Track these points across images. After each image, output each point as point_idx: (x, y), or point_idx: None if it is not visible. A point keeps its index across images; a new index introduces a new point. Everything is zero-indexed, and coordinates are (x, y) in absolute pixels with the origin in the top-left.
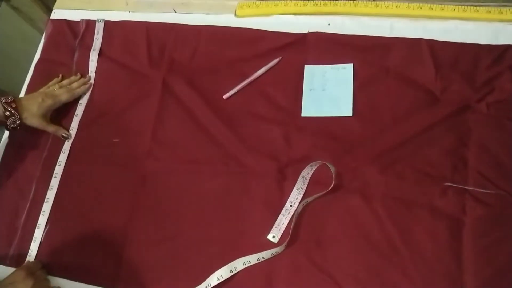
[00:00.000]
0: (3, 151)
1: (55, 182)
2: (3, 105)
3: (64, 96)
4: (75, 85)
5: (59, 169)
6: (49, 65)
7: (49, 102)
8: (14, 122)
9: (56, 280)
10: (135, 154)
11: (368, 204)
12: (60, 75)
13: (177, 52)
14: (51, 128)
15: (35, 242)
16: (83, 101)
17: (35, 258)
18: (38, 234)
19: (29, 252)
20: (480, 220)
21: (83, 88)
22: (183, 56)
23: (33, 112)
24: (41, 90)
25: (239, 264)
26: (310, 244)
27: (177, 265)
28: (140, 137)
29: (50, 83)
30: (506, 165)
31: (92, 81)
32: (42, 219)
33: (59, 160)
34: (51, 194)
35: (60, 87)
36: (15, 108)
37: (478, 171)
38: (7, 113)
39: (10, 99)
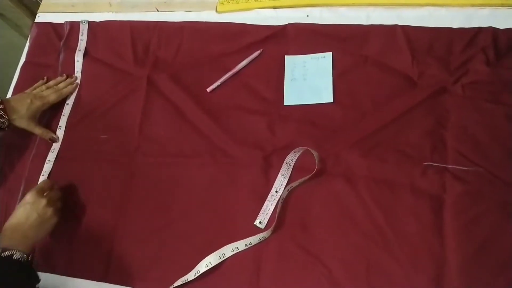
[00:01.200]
0: None
1: (42, 179)
2: None
3: (52, 97)
4: (61, 85)
5: (47, 168)
6: (35, 68)
7: (37, 103)
8: (2, 123)
9: (46, 276)
10: (123, 150)
11: (352, 187)
12: (45, 77)
13: (161, 50)
14: (38, 131)
15: None
16: (70, 101)
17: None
18: None
19: None
20: (460, 197)
21: (70, 88)
22: (167, 53)
23: (22, 113)
24: (27, 91)
25: (228, 251)
26: (296, 228)
27: (166, 256)
28: (128, 133)
29: (36, 84)
30: (483, 143)
31: (78, 81)
32: None
33: (47, 158)
34: None
35: (47, 88)
36: (3, 110)
37: (456, 150)
38: None
39: None
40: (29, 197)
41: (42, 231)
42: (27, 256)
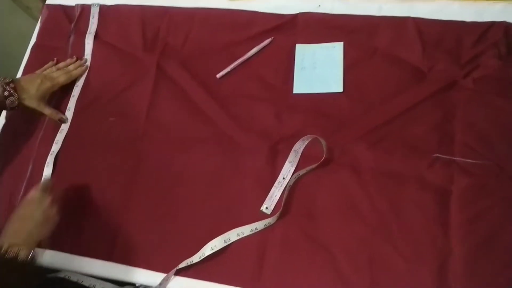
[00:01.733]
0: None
1: (51, 159)
2: (2, 85)
3: (62, 78)
4: (71, 67)
5: (56, 147)
6: (45, 50)
7: (47, 84)
8: (13, 102)
9: (53, 254)
10: (130, 135)
11: (358, 178)
12: (55, 59)
13: (170, 36)
14: (48, 111)
15: None
16: (80, 83)
17: None
18: None
19: None
20: (467, 190)
21: (79, 70)
22: (176, 39)
23: (31, 93)
24: (37, 71)
25: (233, 235)
26: (302, 215)
27: (172, 239)
28: (135, 119)
29: (46, 66)
30: (491, 137)
31: (88, 63)
32: None
33: (56, 139)
34: (47, 171)
35: (57, 69)
36: (14, 89)
37: (464, 143)
38: (6, 93)
39: (8, 79)
40: (34, 195)
41: (46, 229)
42: (32, 256)
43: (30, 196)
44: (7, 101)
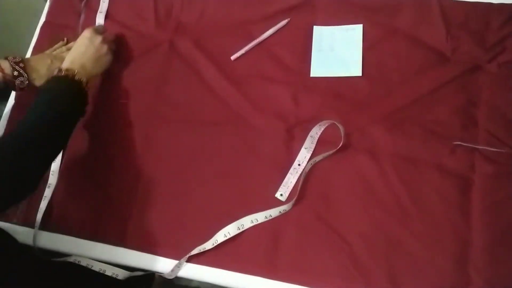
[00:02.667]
0: (7, 116)
1: None
2: (11, 65)
3: None
4: None
5: None
6: (54, 28)
7: (58, 64)
8: (22, 82)
9: (64, 238)
10: (142, 115)
11: (376, 163)
12: (65, 38)
13: (184, 14)
14: None
15: (44, 200)
16: None
17: (43, 216)
18: (48, 193)
19: (39, 210)
20: (489, 178)
21: None
22: (190, 18)
23: (42, 73)
24: (47, 51)
25: (247, 221)
26: (318, 202)
27: (184, 224)
28: (147, 98)
29: (56, 46)
30: None
31: None
32: (52, 179)
33: None
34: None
35: (67, 49)
36: (23, 68)
37: (487, 130)
38: (15, 73)
39: (18, 58)
40: (87, 33)
41: (98, 65)
42: (86, 81)
43: (83, 35)
44: (17, 81)
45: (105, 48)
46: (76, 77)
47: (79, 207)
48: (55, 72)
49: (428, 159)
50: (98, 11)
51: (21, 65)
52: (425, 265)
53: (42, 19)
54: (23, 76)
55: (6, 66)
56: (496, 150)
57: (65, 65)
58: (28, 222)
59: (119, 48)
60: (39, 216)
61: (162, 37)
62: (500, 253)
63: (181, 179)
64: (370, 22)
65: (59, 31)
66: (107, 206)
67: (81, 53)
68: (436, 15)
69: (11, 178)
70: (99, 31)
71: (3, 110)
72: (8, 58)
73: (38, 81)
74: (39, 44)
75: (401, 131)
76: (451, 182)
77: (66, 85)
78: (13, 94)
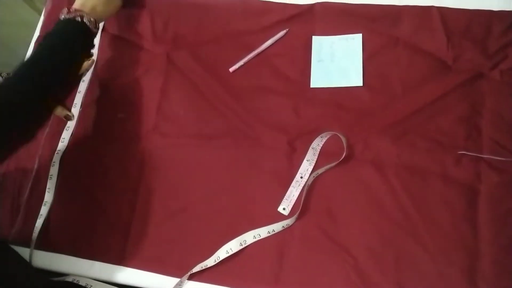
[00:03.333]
0: None
1: (57, 158)
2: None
3: None
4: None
5: (62, 146)
6: None
7: None
8: None
9: (62, 257)
10: (140, 130)
11: (380, 174)
12: None
13: (181, 26)
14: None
15: (40, 218)
16: (86, 78)
17: (39, 235)
18: (44, 211)
19: (34, 228)
20: (496, 188)
21: (85, 64)
22: (187, 30)
23: None
24: None
25: (249, 237)
26: (321, 215)
27: (185, 239)
28: (145, 113)
29: None
30: None
31: (95, 57)
32: (48, 196)
33: (62, 137)
34: (53, 171)
35: None
36: None
37: (492, 138)
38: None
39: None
40: None
41: (108, 9)
42: (94, 22)
43: None
44: None
45: None
46: (85, 19)
47: (76, 225)
48: (64, 12)
49: (433, 169)
50: None
51: None
52: (434, 277)
53: (37, 33)
54: None
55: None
56: (501, 159)
57: (76, 5)
58: (24, 241)
59: None
60: (35, 234)
61: (159, 50)
62: (510, 264)
63: (181, 194)
64: (369, 31)
65: None
66: (105, 223)
67: None
68: (436, 23)
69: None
70: None
71: None
72: (2, 74)
73: None
74: None
75: (405, 141)
76: (457, 192)
77: (73, 28)
78: None
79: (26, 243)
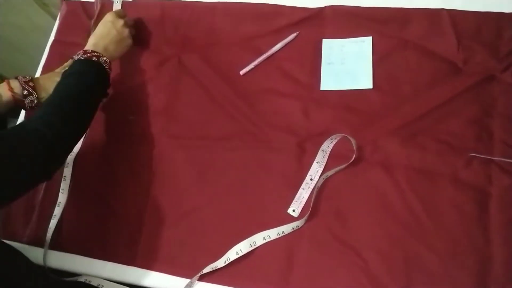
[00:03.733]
0: None
1: (70, 160)
2: (21, 84)
3: None
4: None
5: (75, 147)
6: (64, 46)
7: None
8: (32, 101)
9: (74, 258)
10: (150, 132)
11: (390, 177)
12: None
13: (192, 29)
14: None
15: (54, 219)
16: None
17: (52, 235)
18: (58, 211)
19: (48, 229)
20: (507, 190)
21: None
22: (198, 33)
23: (50, 92)
24: (57, 70)
25: (259, 238)
26: (331, 217)
27: (194, 241)
28: (156, 115)
29: (65, 64)
30: None
31: None
32: (62, 197)
33: None
34: (67, 172)
35: None
36: (33, 87)
37: (503, 141)
38: (25, 92)
39: (28, 78)
40: (109, 17)
41: (120, 48)
42: (109, 63)
43: (106, 19)
44: (26, 101)
45: (126, 31)
46: (101, 60)
47: (89, 226)
48: (80, 54)
49: (443, 172)
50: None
51: (31, 84)
52: (444, 281)
53: (52, 37)
54: (33, 95)
55: (16, 85)
56: None
57: (89, 46)
58: (37, 241)
59: (138, 34)
60: (49, 235)
61: (170, 53)
62: None
63: (192, 196)
64: (379, 34)
65: (68, 49)
66: (117, 224)
67: (104, 35)
68: (446, 25)
69: (42, 155)
70: (120, 15)
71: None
72: (18, 77)
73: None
74: (48, 62)
75: (415, 143)
76: (467, 195)
77: (90, 67)
78: (23, 112)
79: (40, 244)
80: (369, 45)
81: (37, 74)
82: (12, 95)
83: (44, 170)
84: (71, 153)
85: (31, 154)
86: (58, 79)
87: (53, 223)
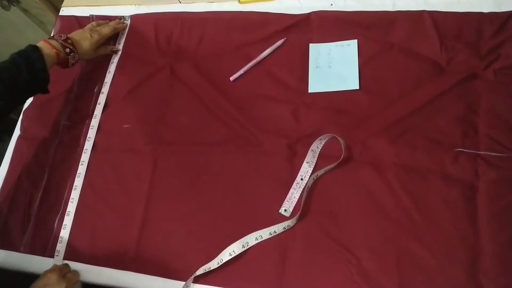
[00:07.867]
0: (15, 143)
1: (82, 170)
2: (61, 44)
3: (106, 30)
4: (112, 23)
5: (85, 157)
6: None
7: (96, 37)
8: (74, 57)
9: (76, 266)
10: (146, 140)
11: (380, 175)
12: (94, 23)
13: (183, 40)
14: (101, 52)
15: (65, 229)
16: (105, 89)
17: (67, 244)
18: (68, 221)
19: (59, 239)
20: (493, 184)
21: (120, 25)
22: (189, 43)
23: (86, 48)
24: (87, 26)
25: (251, 239)
26: (322, 216)
27: (191, 245)
28: (150, 123)
29: (86, 27)
30: None
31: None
32: (71, 206)
33: (85, 148)
34: (78, 182)
35: (98, 25)
36: (73, 44)
37: (489, 136)
38: (67, 50)
39: (64, 36)
40: (51, 279)
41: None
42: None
43: (48, 279)
44: (70, 57)
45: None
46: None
47: (84, 234)
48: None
49: (431, 168)
50: None
51: (69, 41)
52: (437, 276)
53: None
54: (74, 52)
55: (57, 44)
56: (498, 155)
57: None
58: (33, 251)
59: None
60: (62, 245)
61: (162, 63)
62: (511, 259)
63: (186, 199)
64: (365, 38)
65: None
66: (112, 231)
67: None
68: (429, 27)
69: None
70: (63, 272)
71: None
72: (55, 37)
73: (83, 56)
74: None
75: (403, 141)
76: (456, 189)
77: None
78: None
79: (36, 252)
80: (354, 48)
81: None
82: (57, 53)
83: None
84: (81, 162)
85: None
86: (88, 34)
87: (64, 233)
